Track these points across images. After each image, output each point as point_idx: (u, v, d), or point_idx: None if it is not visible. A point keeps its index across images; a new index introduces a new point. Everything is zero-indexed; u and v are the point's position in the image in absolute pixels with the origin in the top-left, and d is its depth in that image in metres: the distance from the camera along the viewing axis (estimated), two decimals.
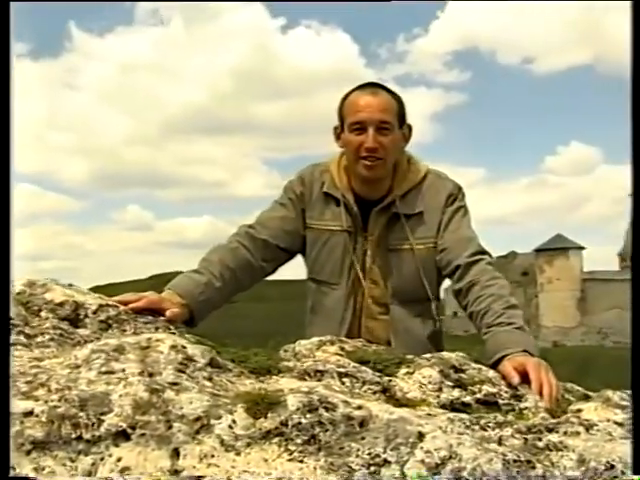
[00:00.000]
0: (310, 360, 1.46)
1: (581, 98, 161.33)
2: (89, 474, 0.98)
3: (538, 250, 70.66)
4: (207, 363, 1.24)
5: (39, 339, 1.33)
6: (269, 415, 1.07)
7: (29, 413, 1.01)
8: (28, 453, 0.97)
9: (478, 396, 1.41)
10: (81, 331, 1.42)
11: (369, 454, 1.01)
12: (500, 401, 1.40)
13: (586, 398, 1.53)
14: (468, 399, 1.40)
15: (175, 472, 0.99)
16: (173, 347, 1.23)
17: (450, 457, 1.00)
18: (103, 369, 1.14)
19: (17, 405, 1.02)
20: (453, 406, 1.37)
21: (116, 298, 1.62)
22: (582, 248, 70.75)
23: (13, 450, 0.97)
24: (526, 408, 1.37)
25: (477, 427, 1.14)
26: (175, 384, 1.13)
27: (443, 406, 1.34)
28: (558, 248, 68.83)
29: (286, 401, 1.09)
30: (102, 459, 1.00)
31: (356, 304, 2.09)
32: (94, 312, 1.50)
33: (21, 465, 0.96)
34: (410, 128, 2.11)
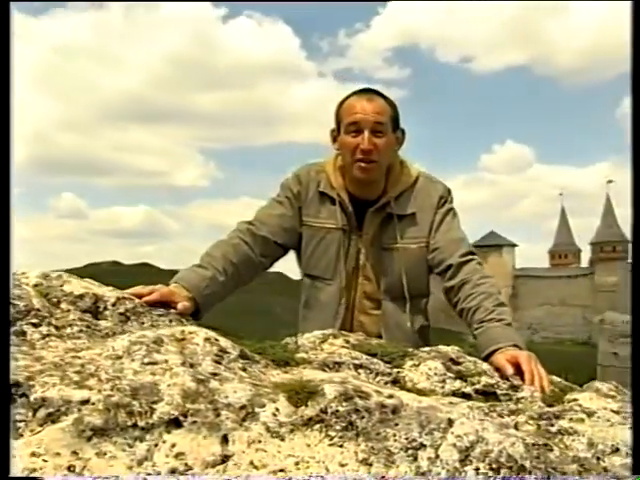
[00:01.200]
0: (324, 352, 1.54)
1: (517, 98, 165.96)
2: (145, 459, 1.03)
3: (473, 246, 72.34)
4: (238, 355, 1.31)
5: (68, 330, 1.36)
6: (309, 403, 1.14)
7: (86, 401, 1.06)
8: (89, 439, 1.02)
9: (477, 387, 1.52)
10: (103, 323, 1.46)
11: (406, 438, 1.09)
12: (498, 391, 1.51)
13: (571, 390, 1.66)
14: (468, 389, 1.51)
15: (225, 457, 1.06)
16: (207, 339, 1.30)
17: (478, 441, 1.10)
18: (146, 360, 1.19)
19: (73, 394, 1.06)
20: (456, 396, 1.47)
21: (129, 291, 1.66)
22: (514, 245, 72.90)
23: (74, 436, 1.01)
24: (523, 398, 1.49)
25: (495, 414, 1.25)
26: (215, 374, 1.19)
27: (448, 396, 1.45)
28: (492, 245, 70.70)
29: (324, 390, 1.17)
30: (156, 445, 1.05)
31: (349, 299, 2.19)
32: (113, 304, 1.54)
33: (83, 450, 1.00)
34: (403, 132, 2.21)
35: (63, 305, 1.47)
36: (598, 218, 73.79)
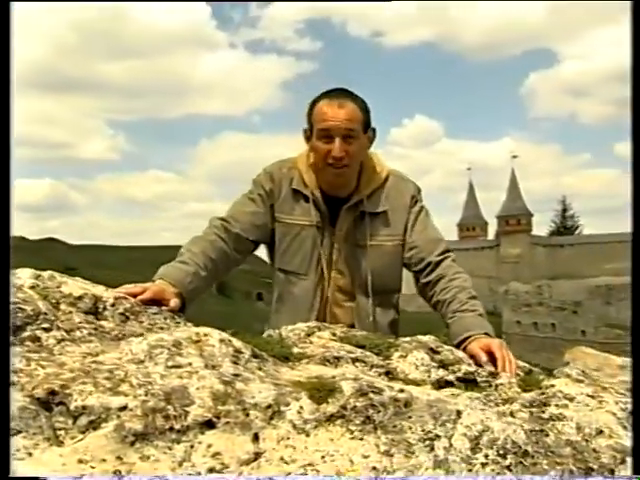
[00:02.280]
0: (315, 346, 1.61)
1: (426, 73, 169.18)
2: (184, 460, 1.08)
3: None
4: (251, 355, 1.36)
5: (78, 334, 1.37)
6: (329, 400, 1.22)
7: (123, 407, 1.09)
8: (132, 444, 1.06)
9: (458, 375, 1.63)
10: (105, 324, 1.48)
11: (422, 430, 1.19)
12: (478, 379, 1.64)
13: (530, 372, 1.81)
14: (451, 377, 1.62)
15: (257, 455, 1.12)
16: (221, 341, 1.34)
17: (484, 430, 1.21)
18: (170, 363, 1.23)
19: (111, 400, 1.09)
20: (440, 384, 1.58)
21: (122, 290, 1.67)
22: None
23: (117, 442, 1.05)
24: (501, 384, 1.61)
25: (492, 404, 1.36)
26: (237, 375, 1.24)
27: (434, 385, 1.56)
28: None
29: (341, 387, 1.24)
30: (192, 446, 1.10)
31: (323, 293, 2.26)
32: (112, 305, 1.55)
33: (127, 455, 1.04)
34: (374, 131, 2.26)
35: (63, 307, 1.47)
36: (504, 192, 76.70)
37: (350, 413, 1.21)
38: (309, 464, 1.13)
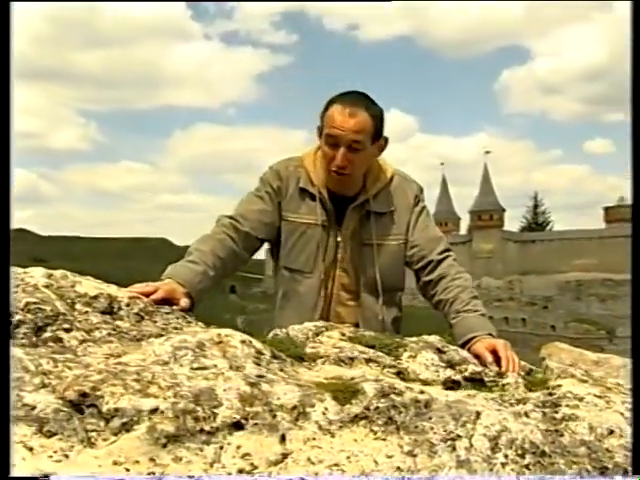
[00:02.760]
0: (326, 346, 1.63)
1: (401, 68, 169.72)
2: (215, 461, 1.10)
3: None
4: (271, 355, 1.38)
5: (97, 334, 1.38)
6: (353, 401, 1.24)
7: (155, 410, 1.10)
8: (164, 446, 1.07)
9: (465, 375, 1.67)
10: (120, 323, 1.48)
11: (444, 431, 1.22)
12: (485, 378, 1.67)
13: (531, 372, 1.85)
14: (458, 377, 1.65)
15: (284, 455, 1.14)
16: (243, 342, 1.36)
17: (503, 430, 1.25)
18: (195, 365, 1.24)
19: (143, 403, 1.10)
20: (448, 384, 1.61)
21: (135, 289, 1.67)
22: None
23: (150, 444, 1.06)
24: (508, 384, 1.65)
25: (507, 404, 1.40)
26: (261, 376, 1.26)
27: (443, 385, 1.59)
28: None
29: (364, 389, 1.27)
30: (222, 447, 1.12)
31: (327, 291, 2.28)
32: (127, 305, 1.55)
33: (160, 457, 1.05)
34: (386, 140, 2.26)
35: (79, 307, 1.47)
36: (476, 187, 77.32)
37: (373, 414, 1.23)
38: (335, 464, 1.15)
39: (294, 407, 1.20)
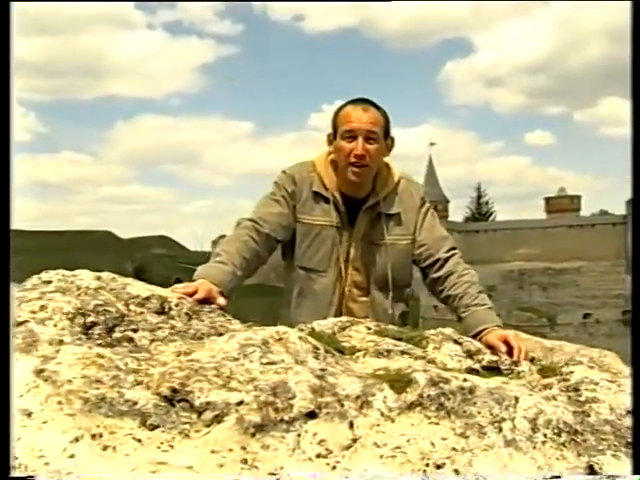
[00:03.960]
0: (357, 340, 1.75)
1: (347, 59, 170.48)
2: (296, 448, 1.21)
3: None
4: (324, 350, 1.49)
5: (160, 333, 1.46)
6: (408, 390, 1.36)
7: (240, 402, 1.20)
8: (253, 435, 1.17)
9: (483, 364, 1.81)
10: (173, 323, 1.56)
11: (491, 414, 1.35)
12: (501, 367, 1.82)
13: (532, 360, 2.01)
14: (476, 366, 1.80)
15: (354, 440, 1.26)
16: (300, 338, 1.46)
17: (539, 413, 1.39)
18: (264, 360, 1.34)
19: (229, 396, 1.20)
20: (469, 373, 1.75)
21: (178, 290, 1.76)
22: None
23: (241, 433, 1.16)
24: (522, 371, 1.80)
25: (536, 389, 1.54)
26: (324, 369, 1.37)
27: (467, 372, 1.73)
28: None
29: (416, 378, 1.39)
30: (299, 435, 1.22)
31: (341, 289, 2.40)
32: (176, 305, 1.63)
33: (250, 445, 1.16)
34: (393, 140, 2.44)
35: (133, 307, 1.55)
36: (421, 178, 78.35)
37: (426, 401, 1.36)
38: (397, 447, 1.27)
39: (358, 397, 1.31)
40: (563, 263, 59.01)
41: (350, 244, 2.40)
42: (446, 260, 2.34)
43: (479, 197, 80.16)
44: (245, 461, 1.13)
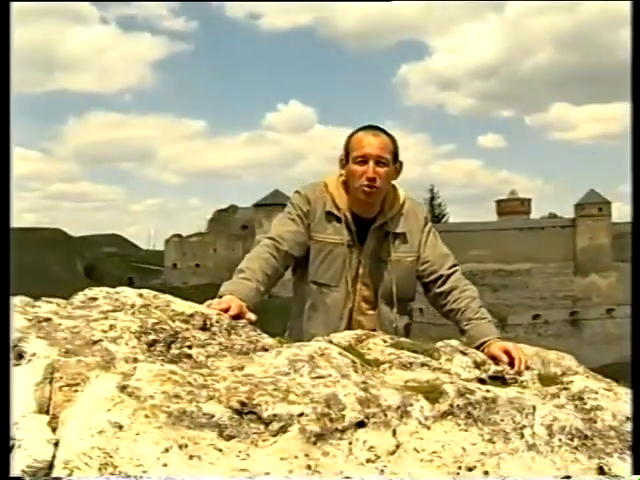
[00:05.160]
0: (377, 353, 1.90)
1: (302, 58, 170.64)
2: (349, 454, 1.34)
3: (257, 205, 74.07)
4: (360, 363, 1.63)
5: (210, 349, 1.58)
6: (440, 400, 1.52)
7: (301, 414, 1.33)
8: (314, 443, 1.31)
9: (490, 373, 1.98)
10: (217, 339, 1.68)
11: (513, 421, 1.52)
12: (506, 376, 1.99)
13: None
14: (483, 376, 1.96)
15: (397, 446, 1.40)
16: (340, 353, 1.60)
17: (554, 419, 1.56)
18: (313, 375, 1.48)
19: (291, 409, 1.33)
20: (478, 382, 1.92)
21: (214, 307, 1.88)
22: None
23: (304, 442, 1.30)
24: (525, 381, 1.97)
25: (547, 399, 1.71)
26: (364, 382, 1.51)
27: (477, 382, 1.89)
28: (276, 204, 72.90)
29: (446, 390, 1.54)
30: (350, 442, 1.36)
31: (351, 303, 2.55)
32: (217, 321, 1.75)
33: (312, 453, 1.29)
34: (401, 164, 2.60)
35: (178, 324, 1.66)
36: None
37: (456, 410, 1.51)
38: (434, 452, 1.42)
39: (398, 407, 1.46)
40: (514, 265, 60.48)
41: (360, 261, 2.56)
42: (449, 276, 2.52)
43: (432, 199, 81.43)
44: (309, 467, 1.27)
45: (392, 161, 2.53)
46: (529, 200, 79.94)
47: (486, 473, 1.40)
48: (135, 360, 1.38)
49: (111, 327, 1.48)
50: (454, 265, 2.57)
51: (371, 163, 2.47)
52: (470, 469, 1.41)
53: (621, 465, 1.48)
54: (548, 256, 66.27)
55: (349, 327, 2.47)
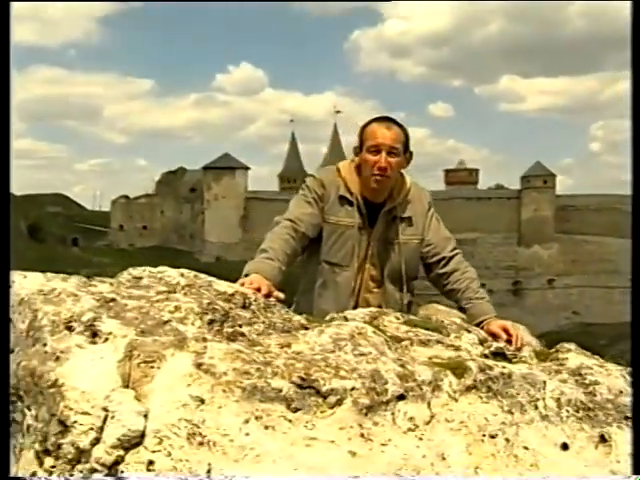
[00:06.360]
0: (393, 330, 2.06)
1: (253, 21, 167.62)
2: (393, 424, 1.51)
3: (206, 168, 73.23)
4: (389, 340, 1.79)
5: (256, 327, 1.71)
6: (465, 375, 1.69)
7: (352, 388, 1.49)
8: (366, 415, 1.47)
9: (492, 349, 2.17)
10: (260, 317, 1.81)
11: (527, 394, 1.71)
12: (507, 352, 2.18)
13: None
14: (487, 352, 2.15)
15: (431, 417, 1.57)
16: (374, 332, 1.76)
17: (561, 393, 1.75)
18: (356, 352, 1.63)
19: (345, 384, 1.49)
20: (481, 357, 2.11)
21: (247, 286, 2.01)
22: (247, 168, 75.17)
23: (357, 413, 1.45)
24: (524, 356, 2.17)
25: (552, 374, 1.91)
26: (399, 359, 1.67)
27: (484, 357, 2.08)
28: (226, 167, 72.24)
29: (470, 366, 1.72)
30: (393, 414, 1.53)
31: (359, 281, 2.72)
32: (255, 300, 1.88)
33: (365, 423, 1.45)
34: (411, 154, 2.77)
35: (221, 303, 1.78)
36: (326, 144, 79.22)
37: (479, 384, 1.69)
38: (461, 422, 1.60)
39: (430, 382, 1.63)
40: (460, 234, 61.60)
41: (369, 243, 2.73)
42: (451, 258, 2.70)
43: None
44: (362, 435, 1.43)
45: (403, 151, 2.69)
46: (477, 170, 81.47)
47: (507, 440, 1.59)
48: (204, 340, 1.51)
49: (176, 308, 1.60)
50: (455, 248, 2.76)
51: (383, 153, 2.63)
52: (492, 437, 1.59)
53: (620, 433, 1.69)
54: (493, 226, 68.02)
55: (357, 304, 2.64)
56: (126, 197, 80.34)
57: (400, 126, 2.72)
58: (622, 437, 1.68)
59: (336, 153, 76.32)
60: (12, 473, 1.41)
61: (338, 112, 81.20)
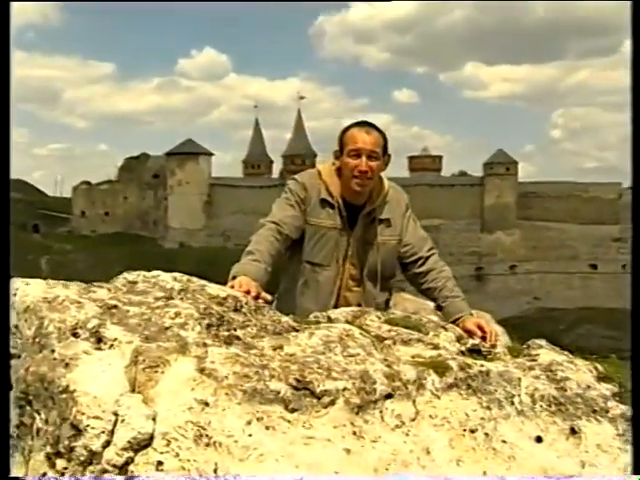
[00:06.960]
0: (376, 329, 2.16)
1: (217, 5, 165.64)
2: (382, 420, 1.61)
3: (169, 154, 72.47)
4: (377, 340, 1.88)
5: (250, 330, 1.79)
6: (446, 374, 1.80)
7: (344, 388, 1.59)
8: (357, 413, 1.57)
9: (468, 346, 2.29)
10: (252, 319, 1.89)
11: (504, 391, 1.82)
12: (482, 349, 2.30)
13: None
14: (463, 349, 2.27)
15: (417, 413, 1.68)
16: (361, 334, 1.85)
17: (535, 389, 1.88)
18: (345, 353, 1.73)
19: (337, 384, 1.58)
20: (460, 355, 2.22)
21: (237, 289, 2.08)
22: (211, 154, 74.63)
23: (348, 412, 1.55)
24: (498, 353, 2.29)
25: (526, 371, 2.03)
26: (385, 359, 1.78)
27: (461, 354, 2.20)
28: (189, 152, 71.57)
29: (450, 365, 1.83)
30: (381, 412, 1.63)
31: (340, 281, 2.81)
32: (245, 303, 1.96)
33: (356, 421, 1.55)
34: (389, 157, 2.86)
35: (215, 307, 1.86)
36: (289, 131, 78.96)
37: (459, 382, 1.80)
38: (444, 417, 1.71)
39: (415, 380, 1.74)
40: (424, 220, 61.14)
41: (349, 243, 2.82)
42: (427, 258, 2.82)
43: None
44: (355, 433, 1.53)
45: (382, 155, 2.78)
46: (440, 157, 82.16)
47: (486, 435, 1.71)
48: (204, 345, 1.59)
49: (177, 314, 1.68)
50: (432, 248, 2.88)
51: (364, 157, 2.73)
52: (473, 431, 1.71)
53: (589, 426, 1.82)
54: (457, 213, 68.89)
55: (337, 302, 2.74)
56: (88, 183, 79.07)
57: (379, 130, 2.82)
58: (591, 429, 1.81)
59: (300, 139, 76.31)
60: (20, 474, 1.47)
61: (302, 98, 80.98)
